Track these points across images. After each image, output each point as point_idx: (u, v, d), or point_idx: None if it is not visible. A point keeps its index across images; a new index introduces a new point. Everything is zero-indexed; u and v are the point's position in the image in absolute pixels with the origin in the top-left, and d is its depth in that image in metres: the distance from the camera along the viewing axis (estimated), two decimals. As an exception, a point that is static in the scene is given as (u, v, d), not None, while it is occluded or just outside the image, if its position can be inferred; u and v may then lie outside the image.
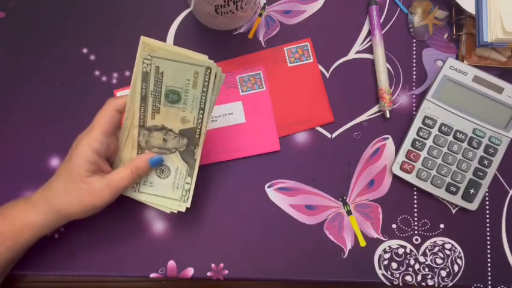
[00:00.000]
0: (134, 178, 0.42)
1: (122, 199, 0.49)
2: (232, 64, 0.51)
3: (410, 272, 0.49)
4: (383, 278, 0.48)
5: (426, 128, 0.49)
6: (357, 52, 0.52)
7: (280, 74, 0.51)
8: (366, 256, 0.49)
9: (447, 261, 0.49)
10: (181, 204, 0.43)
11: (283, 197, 0.49)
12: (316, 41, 0.52)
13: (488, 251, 0.49)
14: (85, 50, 0.51)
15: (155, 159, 0.42)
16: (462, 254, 0.49)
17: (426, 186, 0.49)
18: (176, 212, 0.43)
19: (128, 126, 0.42)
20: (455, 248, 0.49)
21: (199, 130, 0.41)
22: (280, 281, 0.48)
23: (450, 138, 0.49)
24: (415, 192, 0.50)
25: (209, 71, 0.38)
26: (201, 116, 0.40)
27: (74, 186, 0.40)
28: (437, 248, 0.49)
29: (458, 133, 0.49)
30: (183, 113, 0.40)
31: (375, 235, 0.49)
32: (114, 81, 0.51)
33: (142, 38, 0.38)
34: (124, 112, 0.42)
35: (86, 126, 0.42)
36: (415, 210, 0.50)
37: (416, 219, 0.50)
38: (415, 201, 0.50)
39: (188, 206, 0.43)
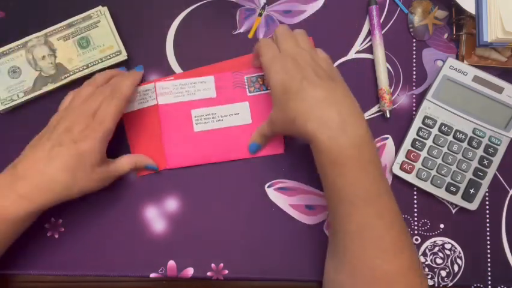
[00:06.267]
0: (131, 168, 0.47)
1: (122, 199, 0.49)
2: (238, 63, 0.50)
3: (410, 272, 0.49)
4: (383, 278, 0.48)
5: (426, 128, 0.49)
6: (357, 52, 0.52)
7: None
8: (366, 256, 0.49)
9: (447, 261, 0.49)
10: None
11: (283, 197, 0.49)
12: (316, 40, 0.51)
13: (488, 251, 0.49)
14: (85, 50, 0.51)
15: (150, 166, 0.48)
16: (462, 254, 0.49)
17: (426, 186, 0.49)
18: None
19: None
20: (455, 248, 0.49)
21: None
22: (280, 281, 0.48)
23: (450, 138, 0.49)
24: (415, 192, 0.50)
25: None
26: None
27: (85, 176, 0.41)
28: (437, 248, 0.49)
29: (458, 133, 0.49)
30: None
31: (375, 235, 0.49)
32: (114, 81, 0.51)
33: None
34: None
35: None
36: (415, 210, 0.50)
37: (416, 219, 0.50)
38: (415, 201, 0.50)
39: None
